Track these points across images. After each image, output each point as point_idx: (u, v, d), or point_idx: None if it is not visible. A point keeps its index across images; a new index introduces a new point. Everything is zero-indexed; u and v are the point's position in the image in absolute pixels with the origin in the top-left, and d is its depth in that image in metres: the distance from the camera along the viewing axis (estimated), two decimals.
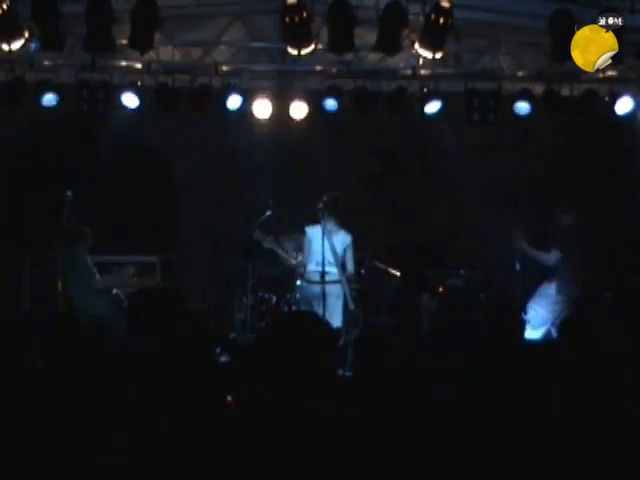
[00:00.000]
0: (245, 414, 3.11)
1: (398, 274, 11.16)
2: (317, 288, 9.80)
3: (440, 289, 11.15)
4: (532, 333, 9.40)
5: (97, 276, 10.34)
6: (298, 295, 10.09)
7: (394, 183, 12.70)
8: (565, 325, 5.17)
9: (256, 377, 3.21)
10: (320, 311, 9.46)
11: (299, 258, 10.17)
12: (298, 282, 10.15)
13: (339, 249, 9.94)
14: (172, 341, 3.31)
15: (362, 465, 3.09)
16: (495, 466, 3.48)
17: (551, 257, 9.92)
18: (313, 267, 9.93)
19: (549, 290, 9.93)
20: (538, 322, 9.74)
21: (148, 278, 11.28)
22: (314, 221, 9.99)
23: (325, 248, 9.75)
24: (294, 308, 10.15)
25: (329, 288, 9.69)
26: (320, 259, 9.77)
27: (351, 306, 9.86)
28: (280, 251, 10.12)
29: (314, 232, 9.96)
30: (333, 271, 9.80)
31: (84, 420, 3.56)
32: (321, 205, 9.78)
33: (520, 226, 10.06)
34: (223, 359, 7.97)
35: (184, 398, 3.20)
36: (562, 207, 10.20)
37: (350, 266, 10.03)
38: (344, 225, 10.08)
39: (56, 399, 3.76)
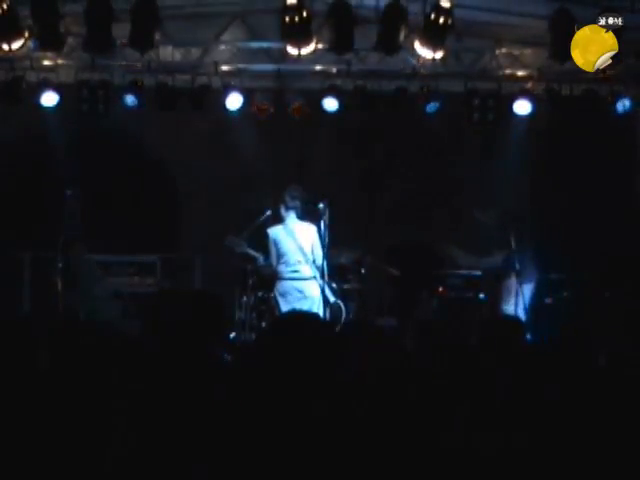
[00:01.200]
0: (248, 415, 3.11)
1: (398, 274, 11.16)
2: (289, 286, 9.70)
3: (440, 289, 11.13)
4: None
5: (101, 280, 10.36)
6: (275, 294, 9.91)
7: (394, 183, 12.69)
8: (565, 331, 5.15)
9: (258, 378, 3.20)
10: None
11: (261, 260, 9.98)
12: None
13: (306, 245, 9.71)
14: (178, 340, 3.32)
15: (364, 465, 3.09)
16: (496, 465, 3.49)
17: (496, 258, 10.21)
18: (283, 268, 9.74)
19: (510, 285, 10.04)
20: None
21: (149, 278, 11.29)
22: (276, 222, 9.85)
23: (291, 249, 9.65)
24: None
25: (303, 287, 9.61)
26: (290, 260, 9.67)
27: (331, 299, 9.78)
28: (252, 253, 9.96)
29: (276, 233, 9.77)
30: (304, 268, 9.69)
31: (86, 421, 3.55)
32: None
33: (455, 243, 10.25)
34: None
35: (190, 397, 3.21)
36: (476, 211, 10.36)
37: (319, 258, 9.67)
38: (304, 217, 9.84)
39: (59, 401, 3.75)
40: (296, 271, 9.65)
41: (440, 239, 11.80)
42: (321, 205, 9.83)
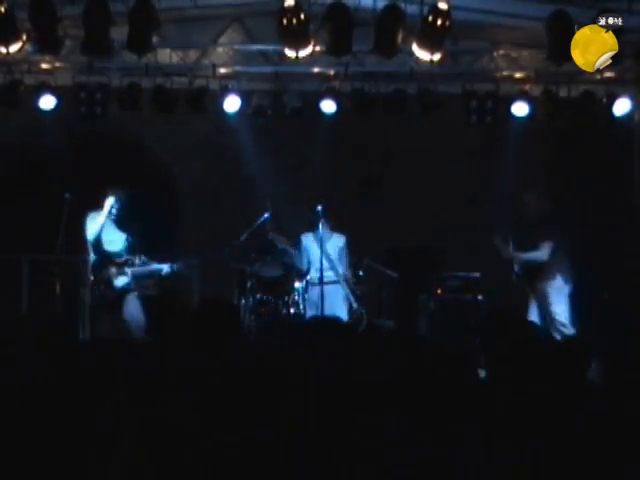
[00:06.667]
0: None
1: (396, 275, 11.14)
2: (314, 292, 10.11)
3: (438, 291, 11.13)
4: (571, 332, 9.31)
5: None
6: (297, 297, 10.28)
7: (393, 185, 12.70)
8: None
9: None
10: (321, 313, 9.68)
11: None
12: (297, 284, 10.28)
13: (333, 253, 10.20)
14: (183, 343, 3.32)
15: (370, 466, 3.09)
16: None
17: (544, 252, 9.67)
18: (313, 274, 10.21)
19: (557, 284, 9.75)
20: (570, 320, 9.59)
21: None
22: (309, 228, 10.26)
23: (318, 256, 10.02)
24: (292, 310, 10.25)
25: (329, 290, 9.94)
26: (317, 266, 10.07)
27: (354, 305, 10.12)
28: (293, 252, 10.26)
29: (308, 240, 10.27)
30: (329, 274, 10.09)
31: (85, 424, 3.55)
32: (318, 210, 9.98)
33: (501, 235, 9.94)
34: None
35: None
36: (527, 195, 9.96)
37: (343, 267, 10.28)
38: (337, 228, 10.32)
39: (58, 406, 3.75)
40: (322, 277, 9.97)
41: (437, 241, 11.83)
42: (319, 208, 9.93)
